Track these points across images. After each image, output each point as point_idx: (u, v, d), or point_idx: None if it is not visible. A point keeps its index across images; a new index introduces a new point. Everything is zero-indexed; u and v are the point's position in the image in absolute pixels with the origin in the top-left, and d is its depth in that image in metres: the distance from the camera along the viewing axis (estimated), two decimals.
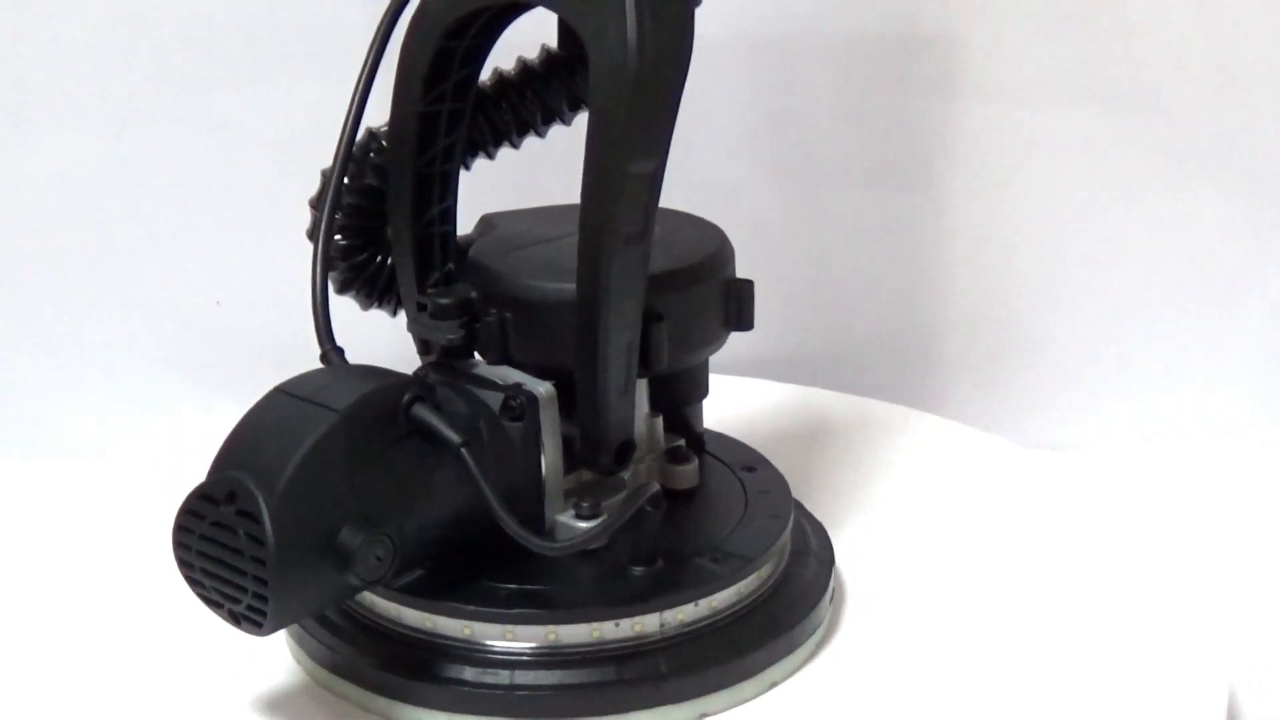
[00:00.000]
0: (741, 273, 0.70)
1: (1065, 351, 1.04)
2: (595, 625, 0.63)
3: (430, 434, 0.59)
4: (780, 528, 0.69)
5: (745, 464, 0.76)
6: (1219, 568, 0.83)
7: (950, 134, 1.00)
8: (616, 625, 0.64)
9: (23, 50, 0.99)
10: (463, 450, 0.59)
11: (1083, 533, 0.79)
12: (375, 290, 0.72)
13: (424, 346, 0.68)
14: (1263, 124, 0.99)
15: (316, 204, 0.70)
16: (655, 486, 0.65)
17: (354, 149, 0.69)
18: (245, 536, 0.55)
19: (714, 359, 0.73)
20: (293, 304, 0.69)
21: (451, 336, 0.65)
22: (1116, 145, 1.00)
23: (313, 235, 0.69)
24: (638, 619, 0.64)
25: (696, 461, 0.72)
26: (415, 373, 0.67)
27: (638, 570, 0.65)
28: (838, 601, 0.72)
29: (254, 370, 1.02)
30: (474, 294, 0.66)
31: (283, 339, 0.72)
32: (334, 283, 0.71)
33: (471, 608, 0.63)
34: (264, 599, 0.56)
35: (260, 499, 0.55)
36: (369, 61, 0.67)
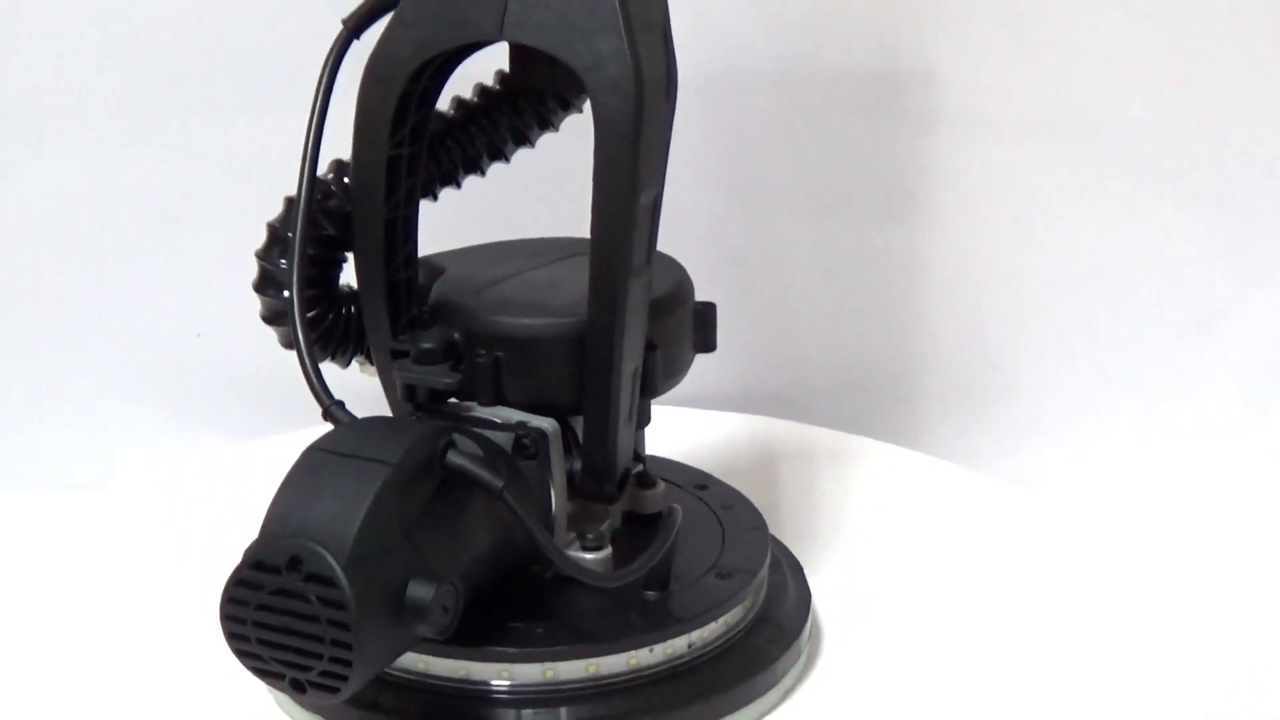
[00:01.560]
0: (722, 306, 0.72)
1: (1042, 385, 1.05)
2: (632, 654, 0.64)
3: (470, 480, 0.59)
4: (764, 538, 0.71)
5: (696, 483, 0.77)
6: (1192, 608, 0.83)
7: (928, 167, 1.01)
8: (651, 651, 0.65)
9: (3, 82, 1.00)
10: (505, 493, 0.59)
11: (1055, 570, 0.80)
12: (331, 343, 0.70)
13: (408, 393, 0.67)
14: (1240, 155, 1.00)
15: (265, 255, 0.69)
16: (679, 511, 0.66)
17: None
18: (319, 601, 0.54)
19: (690, 393, 0.73)
20: (272, 337, 0.69)
21: (448, 381, 0.65)
22: (1094, 177, 1.01)
23: (260, 287, 0.68)
24: (670, 642, 0.65)
25: (663, 485, 0.73)
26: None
27: (651, 595, 0.66)
28: (815, 638, 0.72)
29: (233, 402, 1.03)
30: (456, 336, 0.66)
31: (262, 371, 0.72)
32: (284, 339, 0.69)
33: (513, 650, 0.63)
34: (346, 663, 0.54)
35: (332, 561, 0.54)
36: (316, 111, 0.66)
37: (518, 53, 0.67)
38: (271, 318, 0.69)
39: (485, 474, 0.59)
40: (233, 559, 0.78)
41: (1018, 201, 1.02)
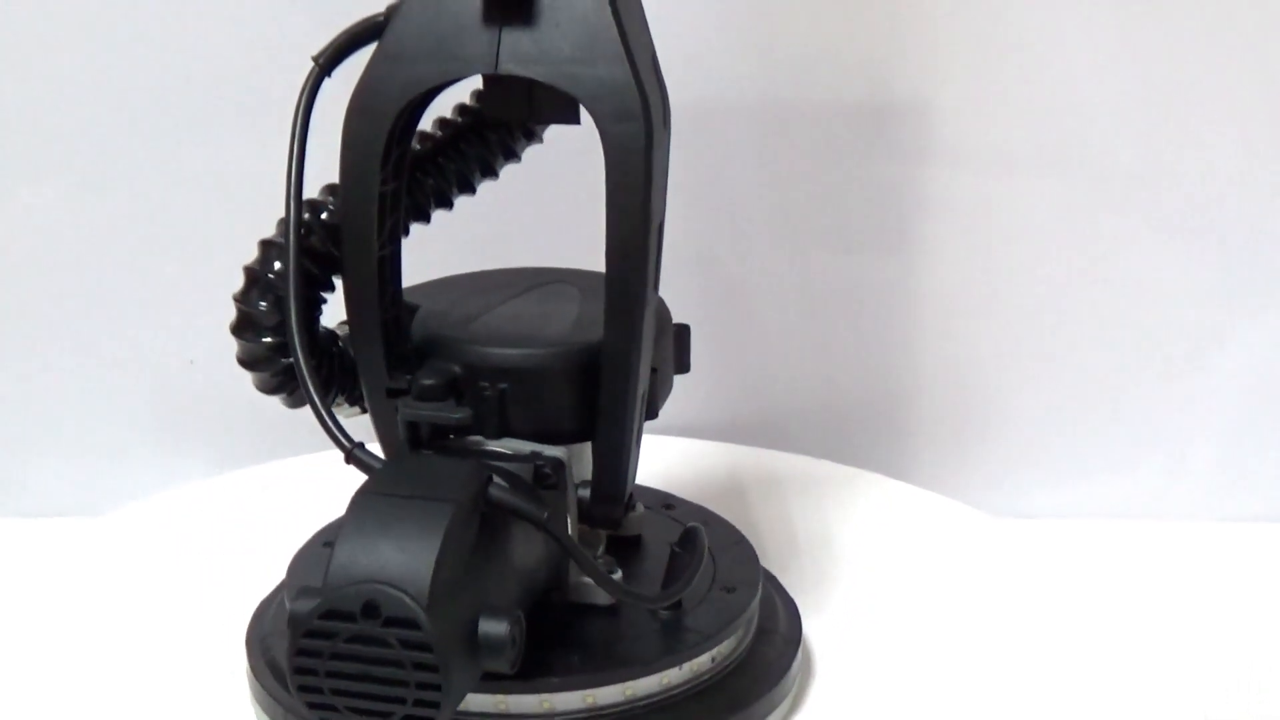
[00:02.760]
0: (713, 336, 0.72)
1: (1029, 417, 1.05)
2: (664, 674, 0.65)
3: (514, 512, 0.60)
4: (750, 551, 0.72)
5: (662, 503, 0.78)
6: (1186, 641, 0.84)
7: (917, 199, 1.01)
8: (680, 669, 0.66)
9: None
10: (549, 524, 0.60)
11: (1046, 605, 0.80)
12: (326, 385, 0.68)
13: (412, 431, 0.66)
14: (1230, 190, 1.00)
15: (243, 298, 0.68)
16: (703, 530, 0.67)
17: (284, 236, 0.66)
18: (400, 645, 0.54)
19: (678, 422, 0.74)
20: None
21: (459, 416, 0.64)
22: (1082, 210, 1.01)
23: (239, 330, 0.67)
24: (696, 660, 0.66)
25: (641, 508, 0.74)
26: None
27: (665, 614, 0.67)
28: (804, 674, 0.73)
29: (226, 428, 1.03)
30: (457, 370, 0.66)
31: (255, 398, 0.72)
32: (262, 384, 0.69)
33: (555, 679, 0.63)
34: (433, 704, 0.54)
35: (412, 603, 0.54)
36: (295, 153, 0.65)
37: (494, 84, 0.66)
38: (251, 362, 0.68)
39: (528, 506, 0.60)
40: (226, 585, 0.79)
41: (1005, 233, 1.02)
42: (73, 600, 0.81)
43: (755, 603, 0.70)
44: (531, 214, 0.92)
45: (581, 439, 0.67)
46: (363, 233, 0.64)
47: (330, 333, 0.69)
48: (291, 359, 0.66)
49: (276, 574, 0.74)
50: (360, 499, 0.58)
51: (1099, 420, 1.05)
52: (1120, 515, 1.05)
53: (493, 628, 0.56)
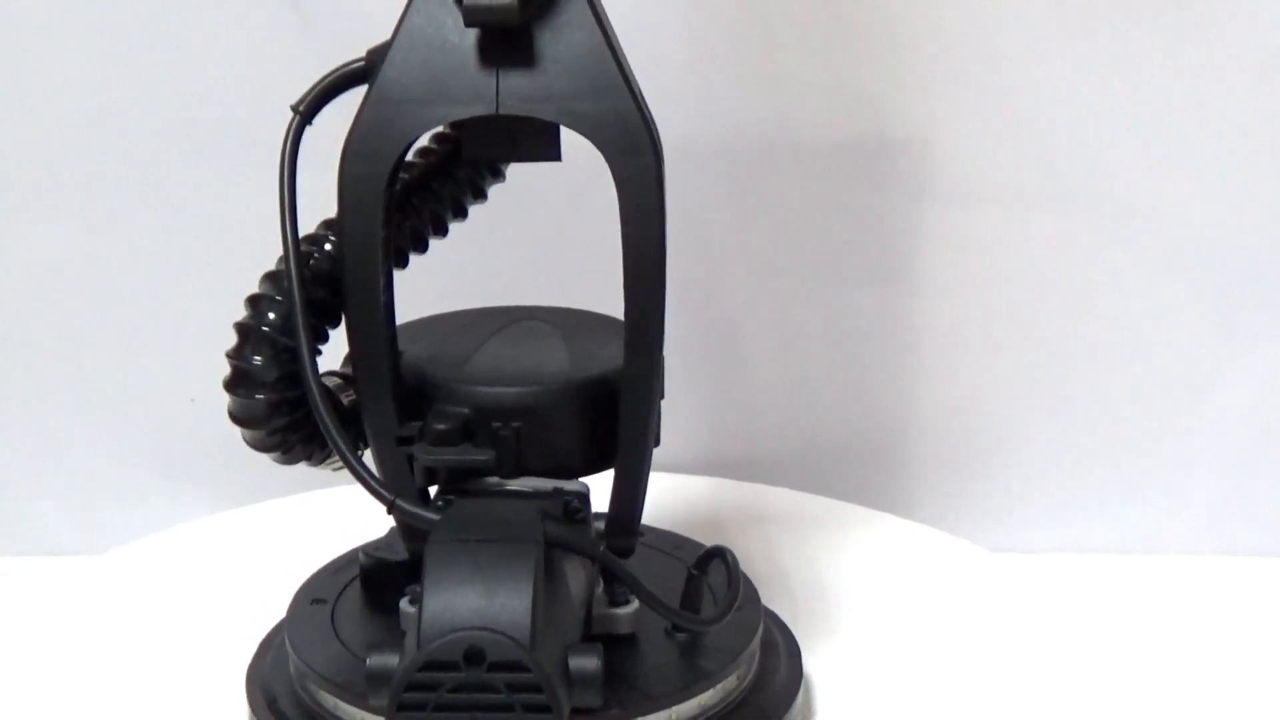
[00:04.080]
0: (712, 371, 0.73)
1: (1033, 453, 1.05)
2: (700, 697, 0.66)
3: (571, 549, 0.61)
4: (735, 560, 0.72)
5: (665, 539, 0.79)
6: (1190, 676, 0.84)
7: (919, 235, 1.02)
8: (713, 691, 0.67)
9: None
10: (605, 557, 0.61)
11: (1047, 641, 0.80)
12: (314, 441, 0.68)
13: (428, 477, 0.66)
14: (1230, 224, 1.00)
15: (237, 354, 0.67)
16: (729, 550, 0.68)
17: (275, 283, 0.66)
18: (509, 689, 0.55)
19: (675, 459, 0.75)
20: None
21: (484, 458, 0.64)
22: (1084, 247, 1.01)
23: (232, 386, 0.67)
24: (728, 679, 0.67)
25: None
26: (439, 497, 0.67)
27: (679, 636, 0.68)
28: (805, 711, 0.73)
29: (227, 467, 1.03)
30: (466, 412, 0.65)
31: None
32: (255, 441, 0.68)
33: (615, 711, 0.63)
34: None
35: (517, 646, 0.55)
36: (286, 205, 0.65)
37: (477, 124, 0.66)
38: (247, 419, 0.67)
39: (585, 541, 0.62)
40: (228, 623, 0.79)
41: (1004, 268, 1.03)
42: (74, 639, 0.81)
43: (760, 611, 0.71)
44: (472, 254, 0.92)
45: (589, 472, 0.68)
46: (368, 280, 0.64)
47: (323, 385, 0.68)
48: (285, 419, 0.66)
49: (278, 612, 0.75)
50: (437, 548, 0.58)
51: (1099, 455, 1.05)
52: (1121, 550, 1.05)
53: (584, 662, 0.57)
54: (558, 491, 0.66)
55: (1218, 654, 0.90)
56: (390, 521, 0.74)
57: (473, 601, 0.56)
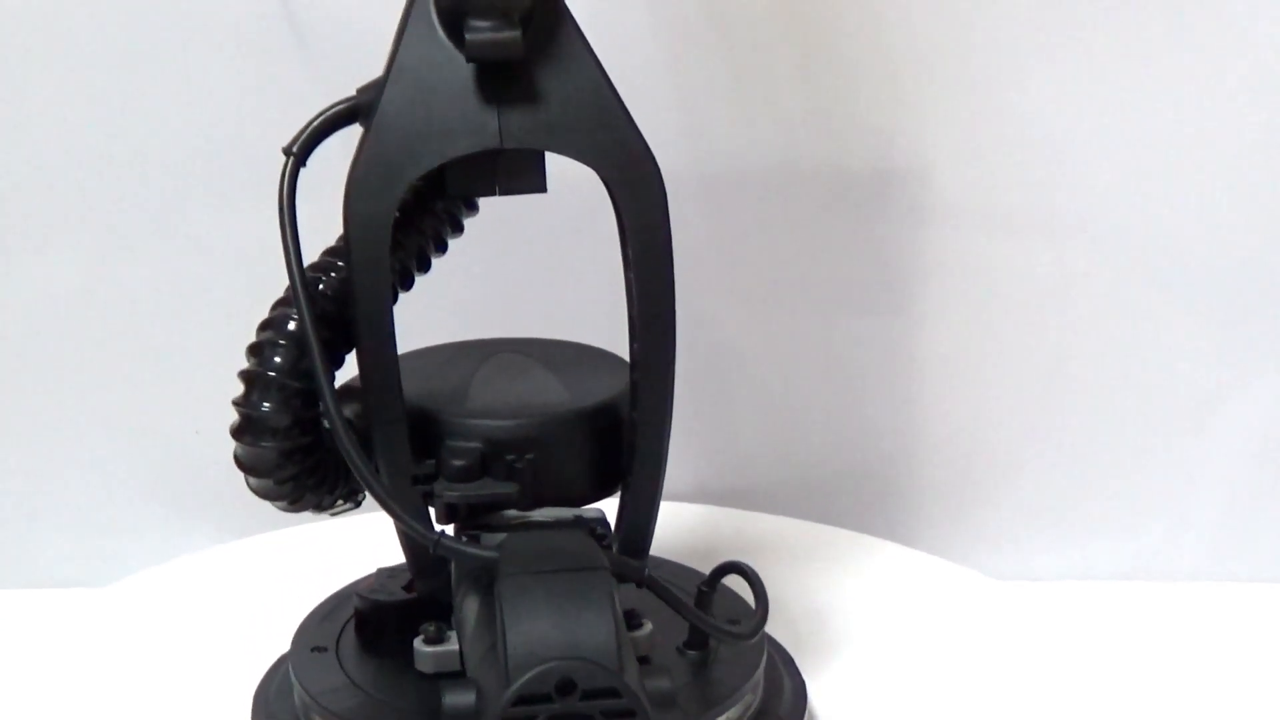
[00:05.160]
0: (711, 397, 0.74)
1: (1037, 480, 1.05)
2: (728, 713, 0.67)
3: (620, 574, 0.62)
4: (755, 573, 0.72)
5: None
6: (1193, 702, 0.84)
7: (920, 263, 1.02)
8: (737, 706, 0.68)
9: (2, 175, 1.00)
10: (651, 578, 0.62)
11: (1051, 668, 0.80)
12: (323, 487, 0.68)
13: (450, 513, 0.66)
14: (1231, 251, 1.00)
15: (244, 401, 0.67)
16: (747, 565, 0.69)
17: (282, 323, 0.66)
18: (604, 716, 0.55)
19: (681, 487, 0.75)
20: None
21: (508, 491, 0.65)
22: (1086, 274, 1.01)
23: (240, 433, 0.66)
24: (749, 695, 0.69)
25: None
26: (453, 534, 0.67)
27: (692, 654, 0.69)
28: None
29: (232, 498, 1.03)
30: (478, 446, 0.66)
31: None
32: (262, 490, 0.68)
33: None
34: None
35: (609, 672, 0.55)
36: (291, 250, 0.64)
37: (464, 158, 0.66)
38: (257, 468, 0.67)
39: (630, 568, 0.63)
40: (232, 655, 0.79)
41: (1005, 296, 1.03)
42: (78, 671, 0.81)
43: (763, 625, 0.71)
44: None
45: (596, 498, 0.69)
46: (380, 317, 0.64)
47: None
48: (297, 467, 0.66)
49: (282, 644, 0.75)
50: (509, 582, 0.59)
51: (1101, 480, 1.05)
52: (1124, 576, 1.05)
53: (659, 683, 0.58)
54: (579, 519, 0.67)
55: (1221, 680, 0.90)
56: (380, 560, 0.75)
57: (557, 632, 0.56)
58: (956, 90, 0.99)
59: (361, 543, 0.78)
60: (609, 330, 0.77)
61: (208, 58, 0.98)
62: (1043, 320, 1.03)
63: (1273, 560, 1.05)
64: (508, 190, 0.69)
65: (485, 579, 0.63)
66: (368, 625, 0.74)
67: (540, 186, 0.68)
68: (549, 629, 0.56)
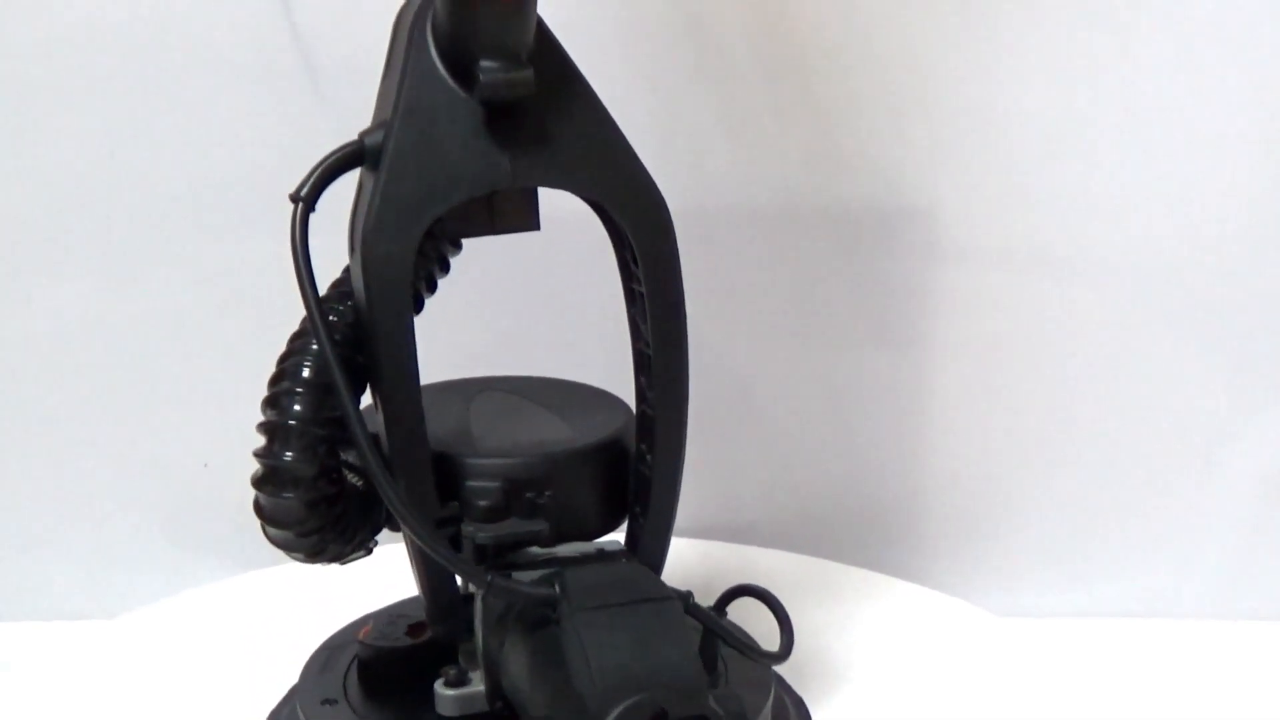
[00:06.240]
0: (718, 433, 0.75)
1: (1043, 518, 1.06)
2: None
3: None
4: (773, 596, 0.74)
5: None
6: None
7: (928, 299, 1.03)
8: None
9: (14, 205, 1.01)
10: (691, 602, 0.64)
11: (1057, 706, 0.80)
12: (348, 535, 0.68)
13: (480, 554, 0.66)
14: (1239, 287, 1.01)
15: (267, 453, 0.66)
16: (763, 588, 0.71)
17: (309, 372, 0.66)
18: None
19: (685, 522, 0.76)
20: None
21: (538, 528, 0.66)
22: (1094, 310, 1.02)
23: (263, 483, 0.65)
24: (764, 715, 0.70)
25: None
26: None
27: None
28: None
29: (240, 531, 1.03)
30: (498, 485, 0.67)
31: None
32: (284, 541, 0.67)
33: None
34: None
35: (697, 697, 0.56)
36: (311, 301, 0.63)
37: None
38: (282, 520, 0.66)
39: (679, 593, 0.63)
40: (240, 689, 0.80)
41: (1014, 332, 1.03)
42: (87, 704, 0.82)
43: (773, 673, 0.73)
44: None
45: (605, 531, 0.70)
46: (405, 360, 0.64)
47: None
48: (322, 519, 0.65)
49: (289, 678, 0.76)
50: (580, 617, 0.59)
51: (1107, 518, 1.06)
52: (1129, 614, 1.05)
53: (729, 704, 0.59)
54: (601, 552, 0.68)
55: (1227, 717, 0.90)
56: (386, 593, 0.76)
57: (640, 663, 0.57)
58: (964, 129, 0.99)
59: (366, 577, 0.79)
60: (566, 364, 0.79)
61: (220, 91, 0.99)
62: (1049, 357, 1.04)
63: (1278, 599, 1.05)
64: (504, 229, 0.70)
65: (537, 617, 0.63)
66: (373, 673, 0.74)
67: (534, 224, 0.70)
68: (632, 660, 0.57)
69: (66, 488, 1.07)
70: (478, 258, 0.73)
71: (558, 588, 0.62)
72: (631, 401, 0.73)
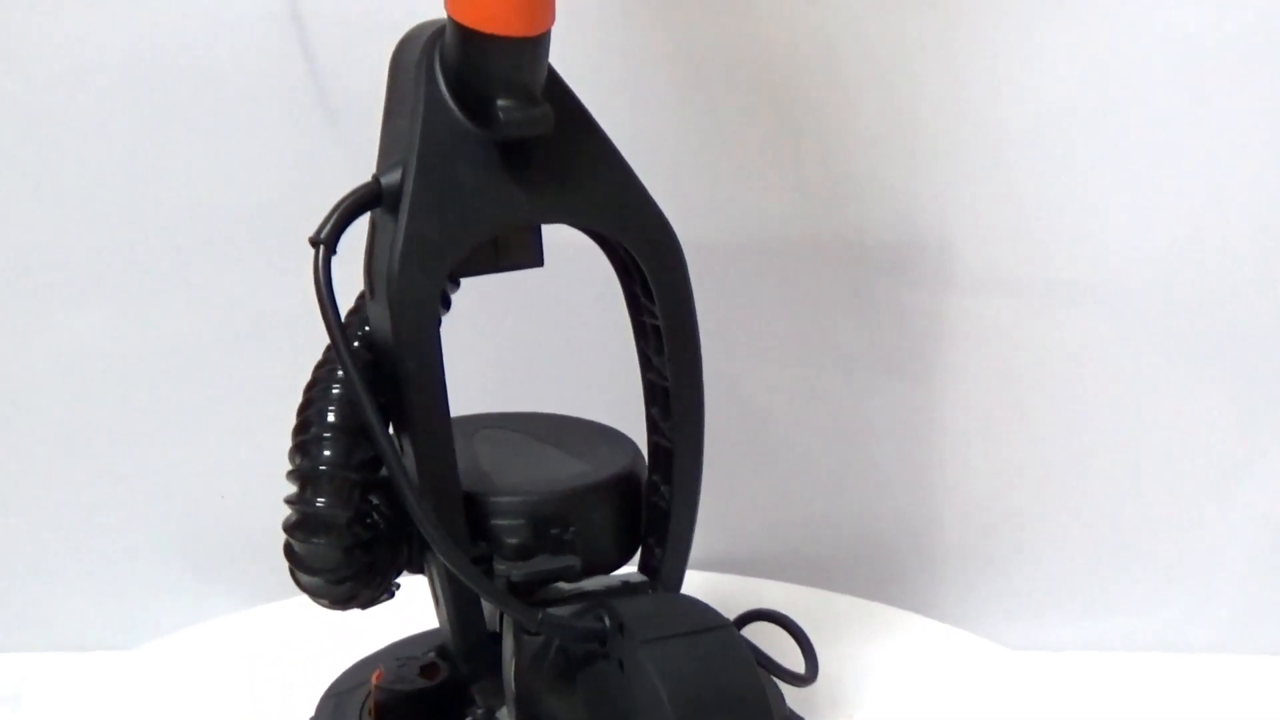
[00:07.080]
0: (731, 467, 0.76)
1: (1057, 551, 1.05)
2: None
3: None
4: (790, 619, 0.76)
5: None
6: None
7: (942, 331, 1.03)
8: None
9: (35, 233, 1.01)
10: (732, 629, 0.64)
11: None
12: (378, 577, 0.67)
13: (516, 591, 0.66)
14: (1253, 322, 1.00)
15: (299, 499, 0.65)
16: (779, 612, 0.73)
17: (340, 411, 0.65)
18: None
19: (696, 554, 0.77)
20: None
21: (569, 564, 0.67)
22: (1108, 343, 1.02)
23: (294, 529, 0.65)
24: None
25: None
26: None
27: None
28: None
29: (257, 562, 1.04)
30: (524, 523, 0.67)
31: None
32: (316, 588, 0.66)
33: None
34: None
35: None
36: (341, 344, 0.62)
37: None
38: (317, 567, 0.66)
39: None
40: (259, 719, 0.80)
41: (1028, 364, 1.03)
42: None
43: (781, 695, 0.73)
44: None
45: (622, 563, 0.71)
46: (436, 401, 0.64)
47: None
48: (358, 565, 0.65)
49: (306, 710, 0.76)
50: (649, 648, 0.59)
51: (1122, 551, 1.05)
52: (1144, 648, 1.05)
53: None
54: (625, 585, 0.69)
55: None
56: (404, 625, 0.78)
57: (712, 691, 0.58)
58: (977, 159, 0.99)
59: (381, 608, 0.79)
60: (549, 398, 0.79)
61: (240, 122, 1.00)
62: (1063, 390, 1.03)
63: None
64: (508, 266, 0.71)
65: (584, 652, 0.63)
66: (394, 717, 0.73)
67: (538, 261, 0.70)
68: (704, 690, 0.58)
69: (83, 519, 1.07)
70: (458, 295, 0.73)
71: (608, 621, 0.62)
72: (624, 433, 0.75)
